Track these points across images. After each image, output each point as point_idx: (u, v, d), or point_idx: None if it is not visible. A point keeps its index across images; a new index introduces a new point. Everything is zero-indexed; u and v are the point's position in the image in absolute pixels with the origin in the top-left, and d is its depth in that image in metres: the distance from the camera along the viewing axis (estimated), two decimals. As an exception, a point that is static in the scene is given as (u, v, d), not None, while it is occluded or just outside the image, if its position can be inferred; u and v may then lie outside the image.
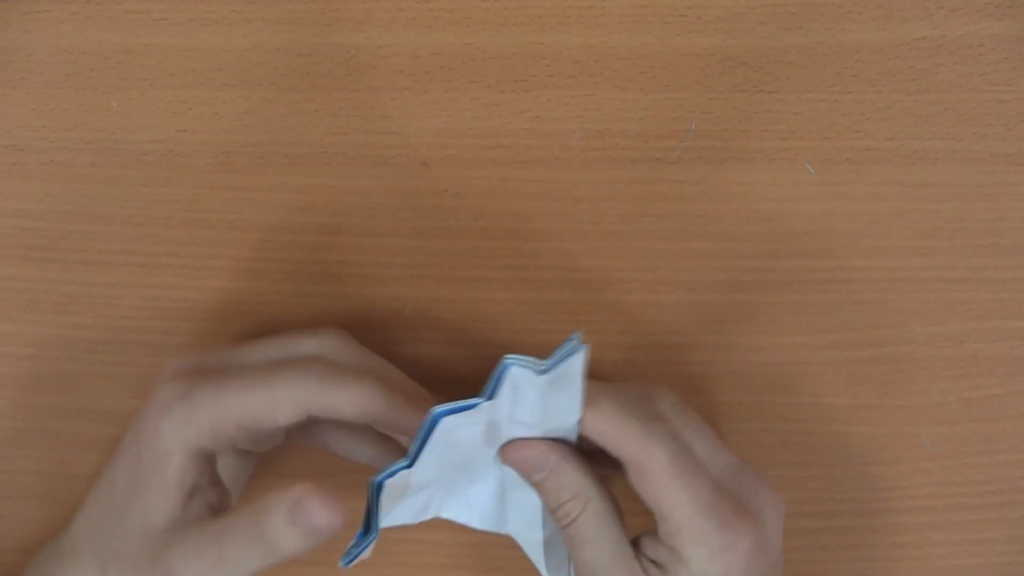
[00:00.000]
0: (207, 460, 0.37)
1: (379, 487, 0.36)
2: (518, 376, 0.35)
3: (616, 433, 0.36)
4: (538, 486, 0.38)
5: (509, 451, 0.37)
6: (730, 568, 0.36)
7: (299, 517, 0.33)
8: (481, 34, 0.42)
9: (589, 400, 0.36)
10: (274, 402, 0.36)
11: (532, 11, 0.42)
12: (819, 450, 0.44)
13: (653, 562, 0.37)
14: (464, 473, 0.39)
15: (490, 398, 0.36)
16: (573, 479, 0.37)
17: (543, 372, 0.35)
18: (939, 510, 0.44)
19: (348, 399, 0.37)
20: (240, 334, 0.43)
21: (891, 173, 0.42)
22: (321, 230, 0.43)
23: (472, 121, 0.42)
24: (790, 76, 0.42)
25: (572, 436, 0.37)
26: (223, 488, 0.38)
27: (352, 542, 0.36)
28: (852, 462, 0.44)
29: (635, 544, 0.38)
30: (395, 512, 0.38)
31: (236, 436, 0.37)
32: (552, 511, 0.38)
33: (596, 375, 0.39)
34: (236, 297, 0.43)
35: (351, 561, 0.36)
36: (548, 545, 0.40)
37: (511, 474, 0.39)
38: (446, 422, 0.36)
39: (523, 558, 0.43)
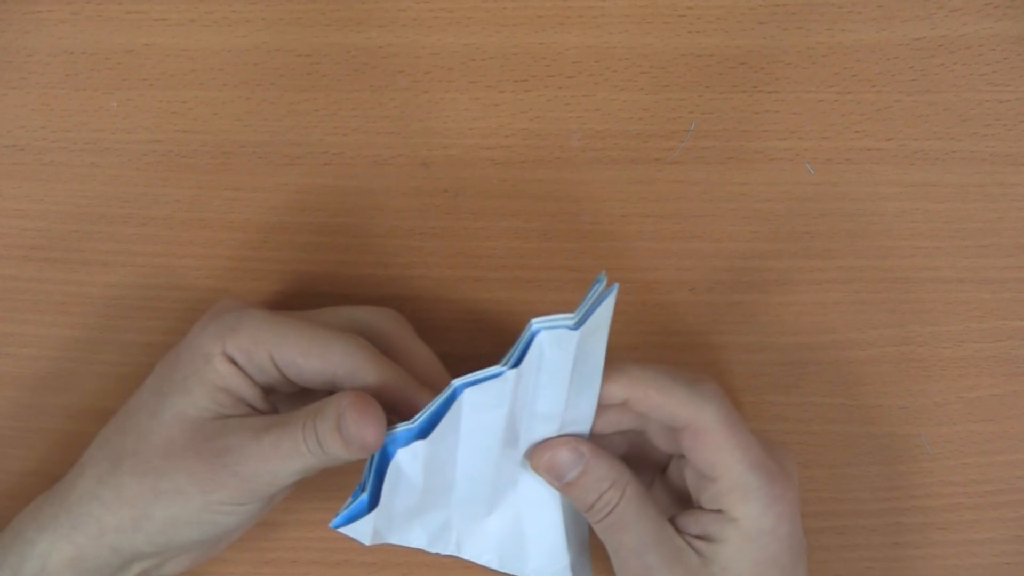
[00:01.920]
0: (245, 376, 0.37)
1: (386, 457, 0.36)
2: (544, 342, 0.34)
3: (666, 399, 0.36)
4: (571, 486, 0.37)
5: (537, 456, 0.37)
6: (781, 519, 0.36)
7: (343, 424, 0.35)
8: (481, 34, 0.42)
9: (629, 371, 0.37)
10: (306, 349, 0.37)
11: (532, 11, 0.42)
12: (819, 450, 0.44)
13: (697, 536, 0.37)
14: (483, 488, 0.38)
15: (515, 366, 0.35)
16: (609, 467, 0.37)
17: (577, 326, 0.34)
18: (939, 510, 0.44)
19: (377, 374, 0.37)
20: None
21: (891, 173, 0.42)
22: (321, 230, 0.43)
23: (472, 121, 0.42)
24: (790, 76, 0.42)
25: (587, 424, 0.37)
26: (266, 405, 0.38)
27: (347, 502, 0.36)
28: (852, 462, 0.44)
29: (679, 524, 0.38)
30: (410, 531, 0.38)
31: (266, 369, 0.37)
32: (589, 507, 0.37)
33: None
34: (235, 297, 0.43)
35: (341, 524, 0.36)
36: (575, 568, 0.40)
37: (527, 496, 0.38)
38: (469, 396, 0.35)
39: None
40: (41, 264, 0.43)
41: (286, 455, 0.36)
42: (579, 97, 0.42)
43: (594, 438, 0.38)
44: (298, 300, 0.43)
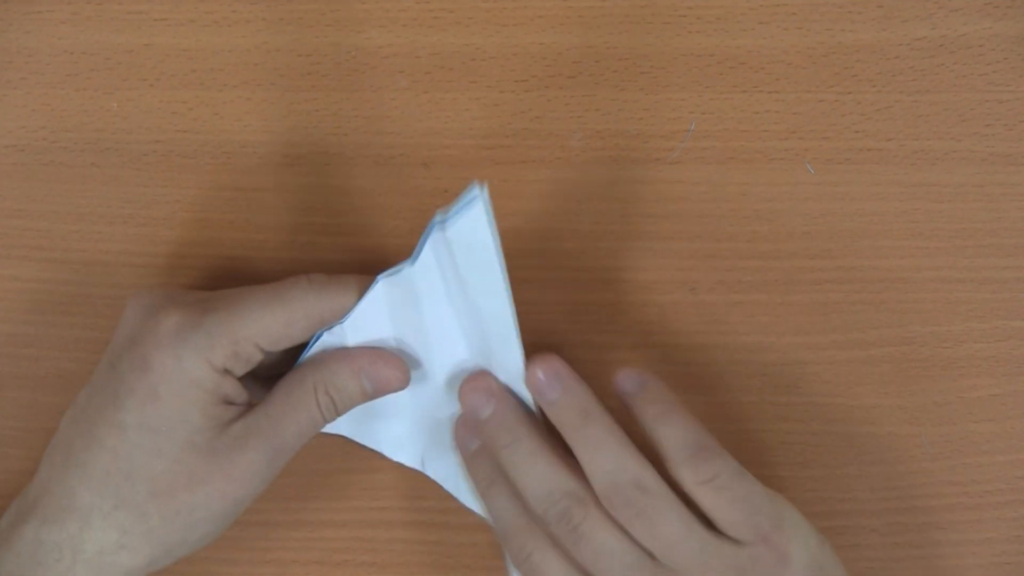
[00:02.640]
0: (233, 378, 0.37)
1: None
2: (436, 240, 0.36)
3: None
4: (482, 423, 0.39)
5: (466, 384, 0.39)
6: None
7: (369, 376, 0.39)
8: (481, 34, 0.42)
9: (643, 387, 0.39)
10: (290, 316, 0.37)
11: (532, 11, 0.42)
12: (819, 450, 0.44)
13: None
14: (445, 407, 0.40)
15: (413, 263, 0.37)
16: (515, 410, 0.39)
17: (442, 223, 0.35)
18: (939, 510, 0.44)
19: (354, 295, 0.38)
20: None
21: (891, 173, 0.42)
22: (321, 230, 0.43)
23: (472, 121, 0.42)
24: (790, 76, 0.42)
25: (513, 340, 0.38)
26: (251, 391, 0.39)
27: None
28: (852, 462, 0.44)
29: None
30: (374, 433, 0.40)
31: (252, 359, 0.37)
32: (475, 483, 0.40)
33: (596, 377, 0.39)
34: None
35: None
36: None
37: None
38: (384, 286, 0.37)
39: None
40: (41, 264, 0.43)
41: (303, 432, 0.38)
42: (579, 97, 0.42)
43: None
44: (298, 300, 0.43)
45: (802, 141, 0.42)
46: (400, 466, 0.43)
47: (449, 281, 0.37)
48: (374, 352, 0.38)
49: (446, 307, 0.38)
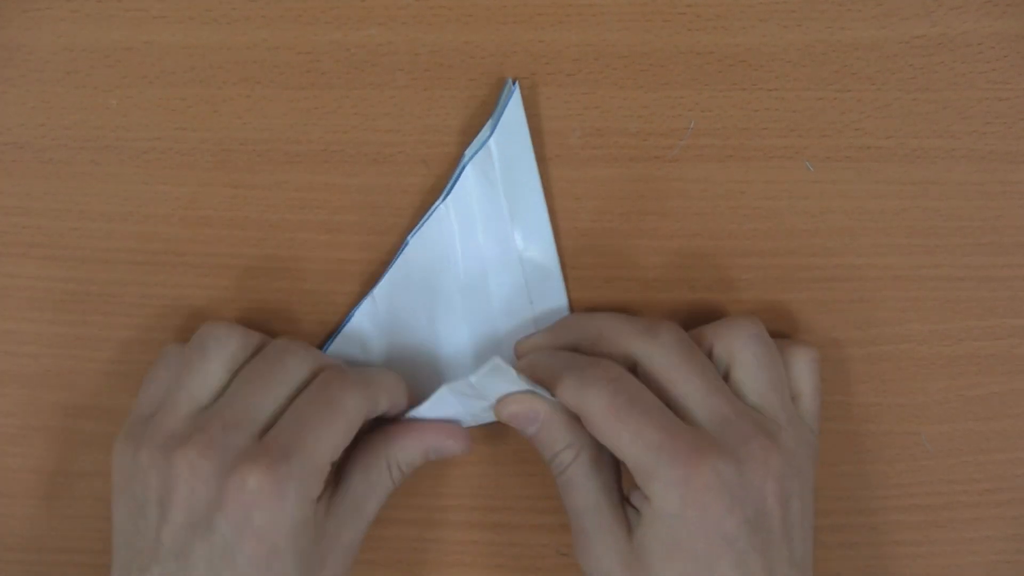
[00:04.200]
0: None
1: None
2: (470, 172, 0.41)
3: (557, 389, 0.38)
4: (533, 439, 0.39)
5: (501, 408, 0.39)
6: (687, 502, 0.36)
7: (436, 451, 0.41)
8: (481, 32, 0.42)
9: (529, 359, 0.40)
10: (349, 426, 0.38)
11: (532, 9, 0.42)
12: (819, 449, 0.44)
13: (636, 508, 0.38)
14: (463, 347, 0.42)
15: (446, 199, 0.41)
16: (564, 430, 0.39)
17: (491, 132, 0.40)
18: (939, 508, 0.44)
19: (392, 390, 0.40)
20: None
21: (890, 171, 0.42)
22: (321, 228, 0.43)
23: (472, 119, 0.42)
24: (789, 74, 0.42)
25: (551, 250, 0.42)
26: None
27: None
28: (852, 460, 0.44)
29: (627, 495, 0.39)
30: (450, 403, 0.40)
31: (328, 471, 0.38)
32: (548, 461, 0.39)
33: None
34: (236, 295, 0.43)
35: None
36: None
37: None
38: (415, 243, 0.42)
39: (528, 556, 0.43)
40: (40, 262, 0.43)
41: (382, 503, 0.40)
42: (579, 95, 0.42)
43: None
44: (297, 298, 0.43)
45: (801, 139, 0.42)
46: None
47: (482, 212, 0.41)
48: (440, 428, 0.40)
49: (479, 241, 0.42)
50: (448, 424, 0.41)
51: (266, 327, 0.43)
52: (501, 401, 0.39)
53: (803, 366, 0.40)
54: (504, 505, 0.44)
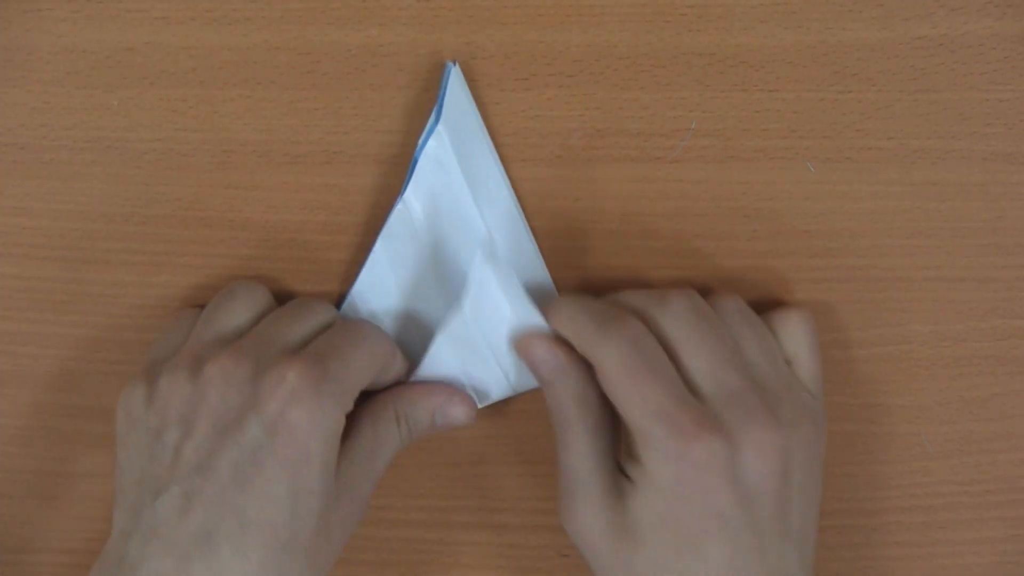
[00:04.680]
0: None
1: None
2: (426, 158, 0.41)
3: (574, 334, 0.38)
4: (544, 386, 0.39)
5: (525, 346, 0.39)
6: (681, 479, 0.36)
7: (442, 414, 0.41)
8: (482, 32, 0.42)
9: (553, 306, 0.39)
10: (374, 360, 0.39)
11: (533, 10, 0.42)
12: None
13: (629, 478, 0.37)
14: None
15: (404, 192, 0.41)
16: (576, 385, 0.38)
17: (437, 118, 0.40)
18: (940, 509, 0.44)
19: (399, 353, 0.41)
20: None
21: (891, 172, 0.42)
22: (322, 229, 0.43)
23: (473, 120, 0.42)
24: (790, 75, 0.42)
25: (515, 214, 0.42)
26: None
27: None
28: (852, 461, 0.44)
29: (622, 465, 0.38)
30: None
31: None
32: (552, 413, 0.39)
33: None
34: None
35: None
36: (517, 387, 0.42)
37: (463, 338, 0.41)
38: (382, 243, 0.42)
39: (529, 557, 0.43)
40: (41, 262, 0.43)
41: (389, 459, 0.40)
42: (580, 96, 0.42)
43: None
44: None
45: (803, 140, 0.42)
46: (400, 465, 0.43)
47: (443, 193, 0.41)
48: (449, 391, 0.41)
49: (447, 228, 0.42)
50: (455, 388, 0.41)
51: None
52: (526, 339, 0.39)
53: (793, 327, 0.40)
54: (505, 506, 0.44)
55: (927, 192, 0.42)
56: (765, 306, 0.43)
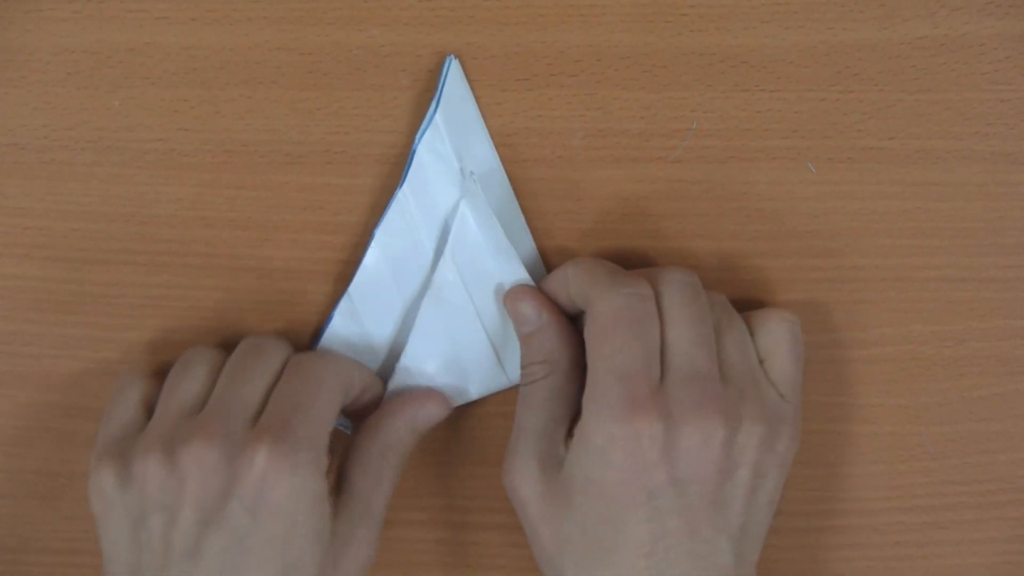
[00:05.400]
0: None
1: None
2: (422, 150, 0.41)
3: (585, 280, 0.39)
4: (522, 338, 0.41)
5: (512, 298, 0.41)
6: (616, 443, 0.35)
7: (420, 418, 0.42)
8: (483, 33, 0.42)
9: (575, 259, 0.41)
10: (335, 402, 0.39)
11: (534, 10, 0.42)
12: (819, 450, 0.44)
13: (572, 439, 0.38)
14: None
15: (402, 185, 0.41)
16: (551, 344, 0.39)
17: (435, 109, 0.41)
18: (940, 509, 0.44)
19: (361, 368, 0.42)
20: (240, 332, 0.43)
21: (892, 172, 0.42)
22: (323, 229, 0.43)
23: (474, 120, 0.42)
24: (791, 75, 0.42)
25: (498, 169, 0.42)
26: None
27: None
28: (853, 461, 0.44)
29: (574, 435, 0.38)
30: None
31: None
32: (522, 367, 0.40)
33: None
34: (237, 296, 0.43)
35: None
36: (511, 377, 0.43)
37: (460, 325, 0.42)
38: (380, 237, 0.42)
39: (530, 557, 0.43)
40: (42, 262, 0.43)
41: (388, 496, 0.40)
42: (581, 96, 0.42)
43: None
44: (299, 298, 0.43)
45: (804, 140, 0.42)
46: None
47: (441, 192, 0.41)
48: (414, 397, 0.41)
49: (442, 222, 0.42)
50: (422, 390, 0.41)
51: (267, 328, 0.43)
52: (514, 291, 0.40)
53: (772, 326, 0.40)
54: (507, 507, 0.44)
55: (928, 192, 0.42)
56: (765, 306, 0.43)
